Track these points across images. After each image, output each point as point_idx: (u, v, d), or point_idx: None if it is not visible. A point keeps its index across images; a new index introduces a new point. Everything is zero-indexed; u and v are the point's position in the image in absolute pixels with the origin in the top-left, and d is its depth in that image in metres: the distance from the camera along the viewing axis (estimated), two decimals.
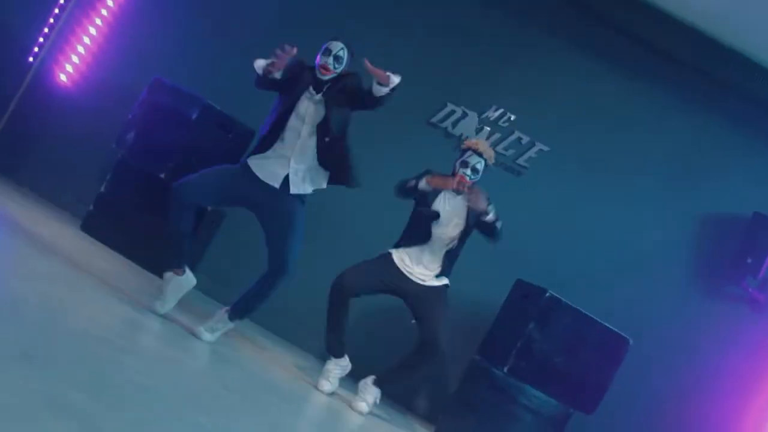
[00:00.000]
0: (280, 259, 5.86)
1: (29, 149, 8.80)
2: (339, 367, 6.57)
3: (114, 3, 8.86)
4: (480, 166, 6.65)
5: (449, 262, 6.72)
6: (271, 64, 5.79)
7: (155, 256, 7.56)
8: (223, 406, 4.47)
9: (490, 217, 6.61)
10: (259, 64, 5.92)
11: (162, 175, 7.74)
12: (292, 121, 5.90)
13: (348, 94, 5.97)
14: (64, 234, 7.35)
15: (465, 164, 6.63)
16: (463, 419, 7.52)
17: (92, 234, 7.85)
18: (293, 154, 5.90)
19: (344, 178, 6.10)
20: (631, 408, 8.22)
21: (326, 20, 8.44)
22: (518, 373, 7.41)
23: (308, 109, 5.93)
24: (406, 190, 6.68)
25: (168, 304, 5.93)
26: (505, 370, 7.39)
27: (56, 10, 8.52)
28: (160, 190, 7.75)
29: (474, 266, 7.86)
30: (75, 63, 8.82)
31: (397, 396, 7.91)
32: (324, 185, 6.12)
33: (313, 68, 6.00)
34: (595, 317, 7.51)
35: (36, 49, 8.52)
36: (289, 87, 5.93)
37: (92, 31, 8.81)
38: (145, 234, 7.74)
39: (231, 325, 6.04)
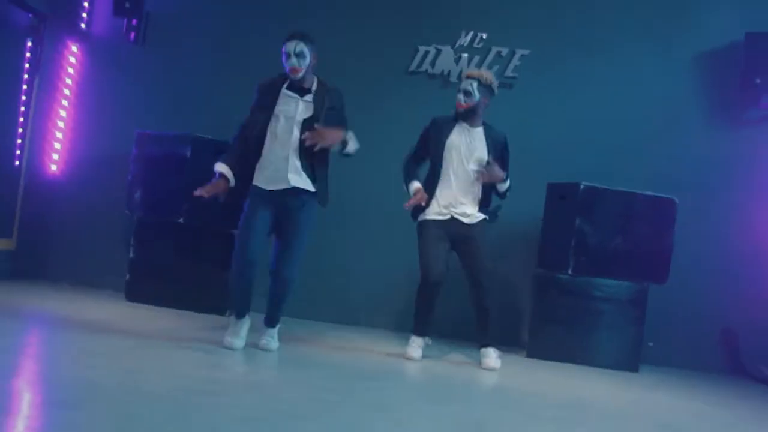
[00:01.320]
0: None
1: (50, 246, 8.85)
2: (422, 340, 6.73)
3: (73, 77, 8.87)
4: (471, 88, 6.64)
5: (483, 196, 6.74)
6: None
7: (200, 295, 7.84)
8: (372, 404, 4.51)
9: (502, 187, 6.73)
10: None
11: (181, 220, 7.79)
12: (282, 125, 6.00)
13: (330, 109, 6.09)
14: (112, 309, 7.40)
15: (459, 91, 6.69)
16: (550, 334, 7.57)
17: (138, 300, 7.90)
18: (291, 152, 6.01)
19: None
20: (701, 268, 8.22)
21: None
22: (583, 270, 7.47)
23: (297, 109, 6.00)
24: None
25: (243, 341, 6.17)
26: (570, 272, 7.44)
27: (22, 108, 8.53)
28: (183, 233, 7.89)
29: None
30: (58, 149, 8.86)
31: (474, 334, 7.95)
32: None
33: (283, 76, 6.07)
34: (634, 191, 7.55)
35: (18, 152, 8.55)
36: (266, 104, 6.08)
37: (62, 113, 8.84)
38: (184, 279, 7.84)
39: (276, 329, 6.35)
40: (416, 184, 6.64)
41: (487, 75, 6.73)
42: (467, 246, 6.61)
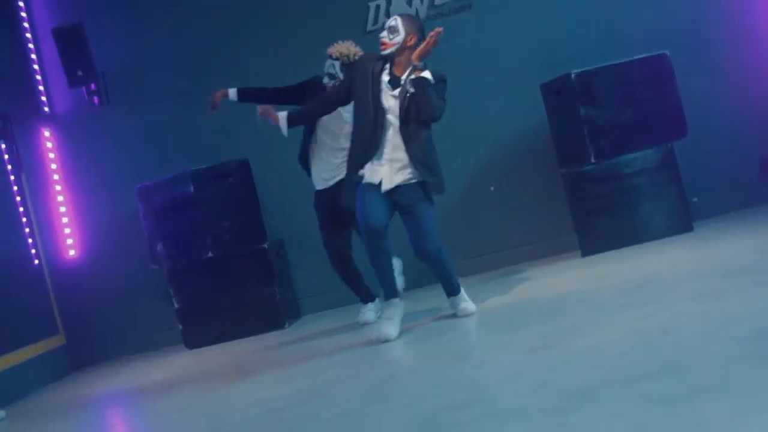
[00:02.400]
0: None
1: (97, 328, 8.83)
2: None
3: (56, 160, 8.86)
4: (333, 70, 6.60)
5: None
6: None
7: (255, 318, 7.80)
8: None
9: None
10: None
11: (210, 254, 7.79)
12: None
13: None
14: (176, 362, 7.39)
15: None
16: (595, 227, 7.49)
17: (198, 345, 7.91)
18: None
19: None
20: (717, 110, 8.03)
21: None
22: (605, 154, 7.39)
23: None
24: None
25: (398, 327, 5.84)
26: (593, 160, 7.37)
27: (21, 208, 8.51)
28: (216, 265, 7.87)
29: (497, 101, 7.91)
30: (69, 233, 8.84)
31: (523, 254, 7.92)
32: None
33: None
34: (622, 60, 7.46)
35: (33, 251, 8.54)
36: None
37: (60, 197, 8.82)
38: (233, 308, 7.83)
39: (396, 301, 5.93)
40: None
41: (340, 48, 6.52)
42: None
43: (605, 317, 4.79)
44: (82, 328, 8.72)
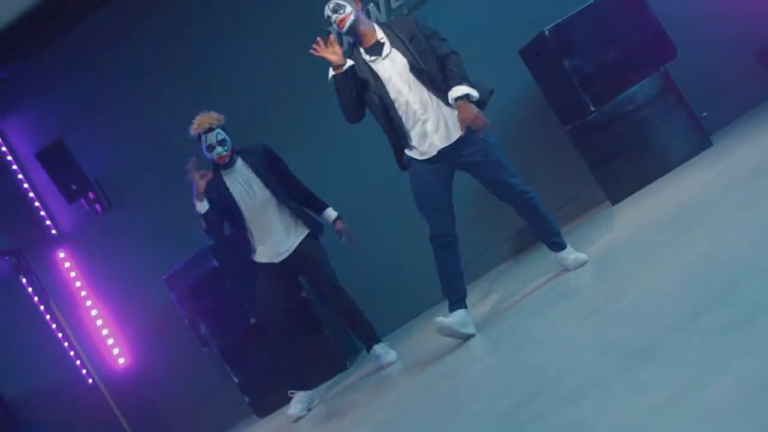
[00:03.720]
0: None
1: (169, 426, 8.79)
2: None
3: (80, 278, 8.84)
4: (220, 137, 6.42)
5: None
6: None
7: (317, 368, 7.61)
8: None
9: None
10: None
11: (253, 320, 7.70)
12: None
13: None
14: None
15: (211, 148, 6.39)
16: (616, 173, 7.32)
17: (270, 411, 7.84)
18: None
19: None
20: (697, 20, 7.84)
21: None
22: (603, 98, 7.26)
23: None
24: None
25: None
26: (593, 108, 7.23)
27: (60, 334, 8.51)
28: (265, 328, 7.75)
29: (480, 73, 7.76)
30: (112, 343, 8.80)
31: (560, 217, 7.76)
32: None
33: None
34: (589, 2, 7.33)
35: (84, 371, 8.51)
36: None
37: (93, 311, 8.79)
38: (293, 366, 7.70)
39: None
40: None
41: (206, 120, 6.49)
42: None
43: (652, 258, 4.66)
44: (154, 430, 8.67)
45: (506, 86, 7.85)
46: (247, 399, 7.97)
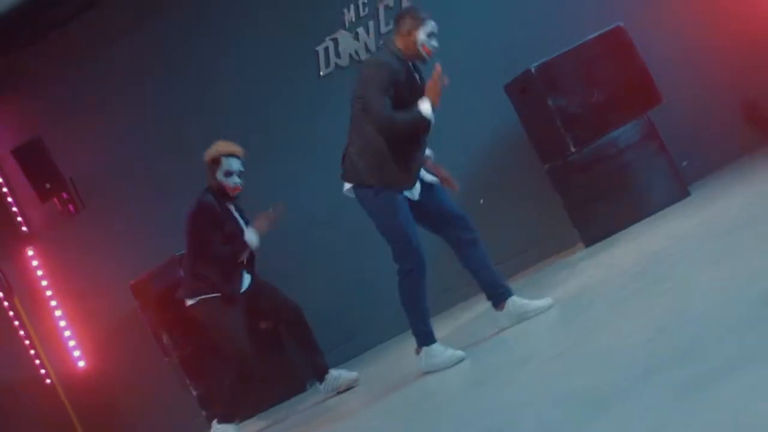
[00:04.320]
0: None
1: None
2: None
3: (46, 276, 8.75)
4: (242, 168, 6.35)
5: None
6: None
7: (276, 387, 7.59)
8: None
9: None
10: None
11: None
12: None
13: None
14: None
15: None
16: (593, 215, 7.33)
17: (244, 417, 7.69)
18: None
19: None
20: (689, 67, 7.89)
21: None
22: (583, 139, 7.25)
23: None
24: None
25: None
26: (573, 149, 7.22)
27: (21, 332, 8.42)
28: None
29: (470, 119, 7.78)
30: (74, 345, 8.71)
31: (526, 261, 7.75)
32: None
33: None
34: (580, 40, 7.33)
35: (42, 371, 8.42)
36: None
37: (57, 312, 8.71)
38: (257, 382, 7.63)
39: None
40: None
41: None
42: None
43: (618, 308, 4.62)
44: None
45: (489, 120, 7.89)
46: (204, 413, 7.86)
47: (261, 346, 6.72)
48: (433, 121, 5.25)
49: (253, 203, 6.61)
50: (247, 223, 6.44)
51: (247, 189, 6.47)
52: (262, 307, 6.60)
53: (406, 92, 5.26)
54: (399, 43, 5.33)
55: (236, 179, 6.31)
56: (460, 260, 5.54)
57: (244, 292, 6.47)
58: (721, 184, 7.02)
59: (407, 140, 5.31)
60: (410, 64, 5.38)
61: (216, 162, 6.29)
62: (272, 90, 8.45)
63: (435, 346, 5.34)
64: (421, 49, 5.29)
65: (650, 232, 6.55)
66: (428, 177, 5.51)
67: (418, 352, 5.39)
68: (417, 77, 5.41)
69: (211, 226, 6.24)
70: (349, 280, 8.31)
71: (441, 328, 6.04)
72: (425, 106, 5.19)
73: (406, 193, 5.36)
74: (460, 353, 5.30)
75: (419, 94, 5.26)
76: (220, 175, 6.28)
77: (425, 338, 5.36)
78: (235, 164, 6.30)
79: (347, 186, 5.41)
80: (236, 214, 6.42)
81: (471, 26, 8.15)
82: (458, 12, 8.16)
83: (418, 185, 5.41)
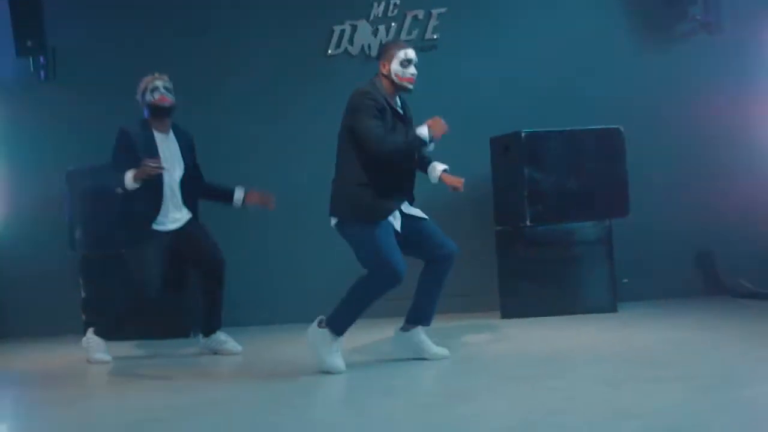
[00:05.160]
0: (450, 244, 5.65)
1: (2, 306, 8.54)
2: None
3: None
4: (167, 85, 6.41)
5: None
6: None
7: (167, 322, 7.49)
8: None
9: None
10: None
11: (125, 250, 7.51)
12: None
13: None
14: (73, 356, 7.12)
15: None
16: (521, 290, 7.37)
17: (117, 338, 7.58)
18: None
19: None
20: (661, 194, 8.01)
21: None
22: (541, 219, 7.28)
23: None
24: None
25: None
26: (528, 222, 7.24)
27: None
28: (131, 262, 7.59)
29: (446, 150, 7.72)
30: None
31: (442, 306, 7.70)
32: None
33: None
34: (576, 128, 7.35)
35: None
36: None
37: None
38: (144, 309, 7.50)
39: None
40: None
41: None
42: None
43: (500, 385, 4.64)
44: None
45: (464, 163, 7.83)
46: (83, 317, 7.77)
47: (167, 281, 6.63)
48: (430, 149, 5.38)
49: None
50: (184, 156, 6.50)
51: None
52: (185, 248, 6.51)
53: (386, 126, 5.32)
54: (380, 77, 5.44)
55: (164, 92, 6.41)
56: (423, 272, 5.59)
57: (177, 230, 6.43)
58: (649, 314, 7.09)
59: (392, 168, 5.36)
60: (397, 98, 5.49)
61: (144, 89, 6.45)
62: (278, 52, 8.43)
63: (337, 340, 5.34)
64: (395, 79, 5.39)
65: (564, 329, 6.58)
66: (414, 210, 5.56)
67: (320, 325, 5.36)
68: (402, 112, 5.50)
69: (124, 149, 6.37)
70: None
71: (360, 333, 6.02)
72: (422, 130, 5.24)
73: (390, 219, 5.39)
74: (339, 367, 5.28)
75: (402, 129, 5.39)
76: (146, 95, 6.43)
77: (338, 327, 5.35)
78: (160, 83, 6.40)
79: (333, 220, 5.46)
80: (160, 142, 6.43)
81: (483, 67, 8.19)
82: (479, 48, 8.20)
83: (398, 216, 5.43)
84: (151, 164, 6.06)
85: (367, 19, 8.37)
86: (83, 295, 7.83)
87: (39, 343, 7.92)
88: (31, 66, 8.49)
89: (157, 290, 6.34)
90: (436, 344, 5.64)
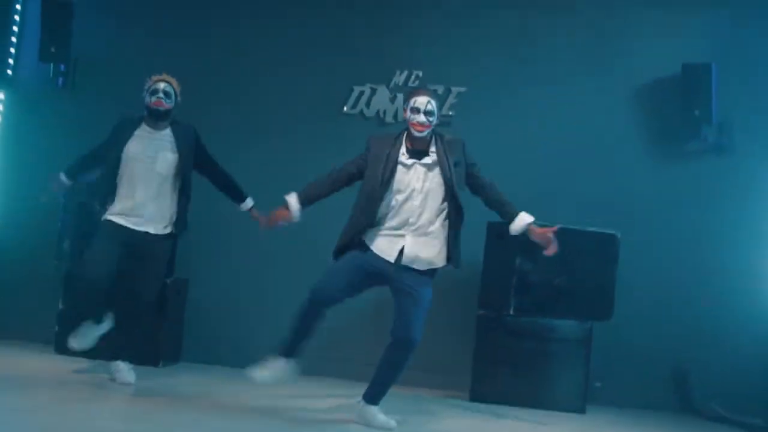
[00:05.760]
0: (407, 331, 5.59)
1: None
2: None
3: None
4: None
5: None
6: None
7: (138, 346, 7.30)
8: None
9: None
10: None
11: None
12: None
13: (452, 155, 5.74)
14: (41, 365, 7.10)
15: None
16: (493, 376, 7.38)
17: (71, 352, 7.52)
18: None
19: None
20: (646, 304, 8.00)
21: None
22: (525, 310, 7.32)
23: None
24: None
25: (270, 381, 5.77)
26: (512, 312, 7.27)
27: None
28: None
29: None
30: None
31: (414, 379, 7.68)
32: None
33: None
34: (574, 227, 7.38)
35: None
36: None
37: None
38: (117, 329, 7.49)
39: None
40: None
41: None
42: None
43: None
44: None
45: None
46: (56, 329, 7.75)
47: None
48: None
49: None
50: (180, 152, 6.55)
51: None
52: (127, 265, 6.47)
53: (384, 168, 5.59)
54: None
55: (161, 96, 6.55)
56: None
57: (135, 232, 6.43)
58: (616, 422, 7.08)
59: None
60: (431, 141, 5.71)
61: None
62: (294, 101, 8.56)
63: (285, 364, 5.72)
64: (408, 124, 5.69)
65: (528, 423, 6.57)
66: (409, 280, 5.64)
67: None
68: (436, 154, 5.69)
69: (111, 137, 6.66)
70: None
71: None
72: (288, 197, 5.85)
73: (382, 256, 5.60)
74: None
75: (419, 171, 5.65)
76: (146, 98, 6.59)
77: (286, 349, 5.71)
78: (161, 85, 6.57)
79: None
80: (142, 136, 6.54)
81: (487, 157, 8.14)
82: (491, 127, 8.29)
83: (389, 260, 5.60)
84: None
85: (387, 86, 8.47)
86: (60, 306, 7.81)
87: (8, 345, 7.93)
88: (51, 72, 8.57)
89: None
90: (392, 415, 5.78)
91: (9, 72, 8.72)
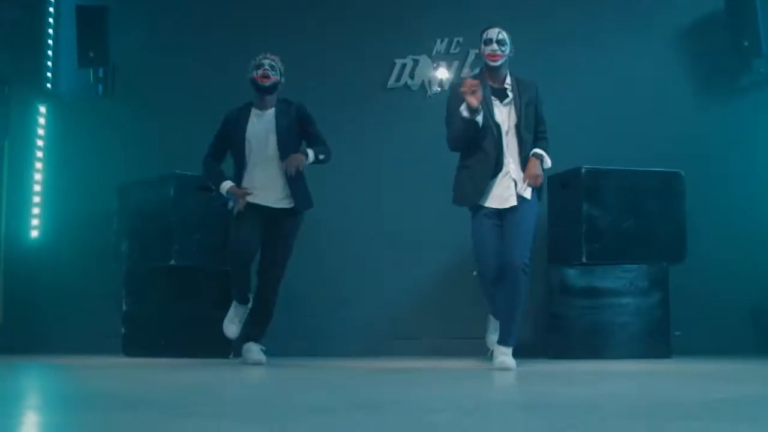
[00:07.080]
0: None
1: (40, 315, 8.48)
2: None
3: (43, 138, 8.63)
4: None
5: None
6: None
7: (209, 340, 7.29)
8: None
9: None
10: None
11: (173, 262, 7.43)
12: None
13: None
14: (109, 368, 6.98)
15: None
16: (571, 331, 7.19)
17: (136, 353, 7.45)
18: None
19: None
20: (720, 243, 7.79)
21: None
22: (597, 258, 7.13)
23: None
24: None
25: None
26: (584, 260, 7.09)
27: None
28: (176, 277, 7.50)
29: None
30: (37, 214, 8.56)
31: None
32: None
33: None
34: (638, 168, 7.25)
35: None
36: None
37: (37, 176, 8.58)
38: (188, 325, 7.42)
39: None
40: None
41: None
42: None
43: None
44: (23, 312, 8.38)
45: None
46: (123, 330, 7.67)
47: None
48: (479, 118, 5.70)
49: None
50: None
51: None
52: (269, 243, 6.55)
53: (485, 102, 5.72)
54: None
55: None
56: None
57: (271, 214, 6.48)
58: (699, 368, 6.84)
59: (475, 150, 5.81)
60: (505, 77, 5.94)
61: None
62: (337, 82, 8.44)
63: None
64: (484, 58, 5.89)
65: (612, 376, 6.33)
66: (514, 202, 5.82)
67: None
68: (510, 90, 5.90)
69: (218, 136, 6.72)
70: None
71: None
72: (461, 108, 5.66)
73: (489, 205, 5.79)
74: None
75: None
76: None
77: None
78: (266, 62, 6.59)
79: None
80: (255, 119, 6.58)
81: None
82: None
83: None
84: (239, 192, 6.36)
85: (429, 55, 8.39)
86: (124, 308, 7.72)
87: (75, 357, 7.77)
88: (91, 78, 8.55)
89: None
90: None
91: (48, 85, 8.70)
